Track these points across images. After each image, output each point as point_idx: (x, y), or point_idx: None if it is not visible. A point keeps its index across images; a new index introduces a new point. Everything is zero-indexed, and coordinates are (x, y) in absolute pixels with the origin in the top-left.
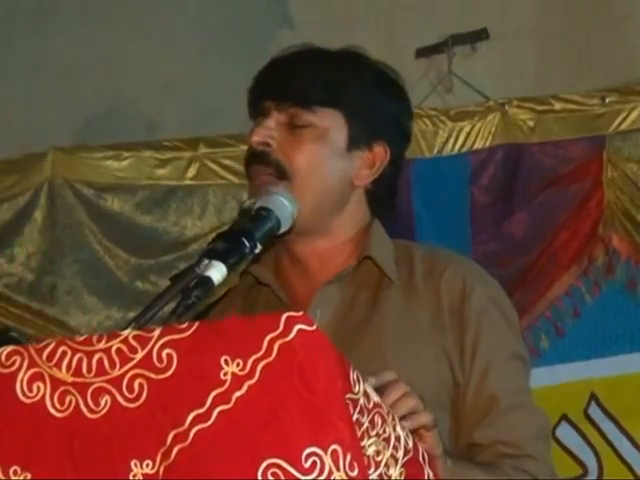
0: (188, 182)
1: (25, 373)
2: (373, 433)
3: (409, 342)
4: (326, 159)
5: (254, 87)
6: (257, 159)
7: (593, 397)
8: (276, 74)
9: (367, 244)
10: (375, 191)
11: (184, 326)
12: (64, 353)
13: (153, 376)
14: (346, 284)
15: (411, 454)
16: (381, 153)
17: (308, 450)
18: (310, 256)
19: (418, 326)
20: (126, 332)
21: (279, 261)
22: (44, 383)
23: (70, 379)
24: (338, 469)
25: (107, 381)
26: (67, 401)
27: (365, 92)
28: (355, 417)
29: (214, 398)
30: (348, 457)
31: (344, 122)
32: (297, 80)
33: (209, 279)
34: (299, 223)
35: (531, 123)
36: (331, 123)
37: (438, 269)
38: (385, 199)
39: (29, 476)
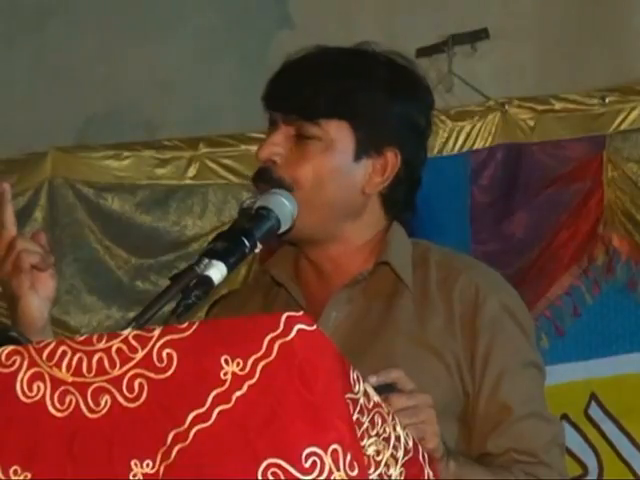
0: (188, 182)
1: (25, 373)
2: (373, 433)
3: (420, 351)
4: (332, 171)
5: (265, 96)
6: (261, 176)
7: (593, 397)
8: (282, 85)
9: (384, 249)
10: (390, 195)
11: (184, 326)
12: (64, 353)
13: (153, 376)
14: (362, 289)
15: (411, 454)
16: (392, 158)
17: (308, 450)
18: (325, 261)
19: (430, 335)
20: (126, 332)
21: (298, 262)
22: (44, 383)
23: (70, 379)
24: (338, 469)
25: (107, 381)
26: (67, 401)
27: (371, 99)
28: (355, 417)
29: (214, 398)
30: (348, 457)
31: (350, 132)
32: (301, 93)
33: (209, 278)
34: (307, 233)
35: (531, 123)
36: (337, 134)
37: (452, 276)
38: (402, 202)
39: (29, 476)
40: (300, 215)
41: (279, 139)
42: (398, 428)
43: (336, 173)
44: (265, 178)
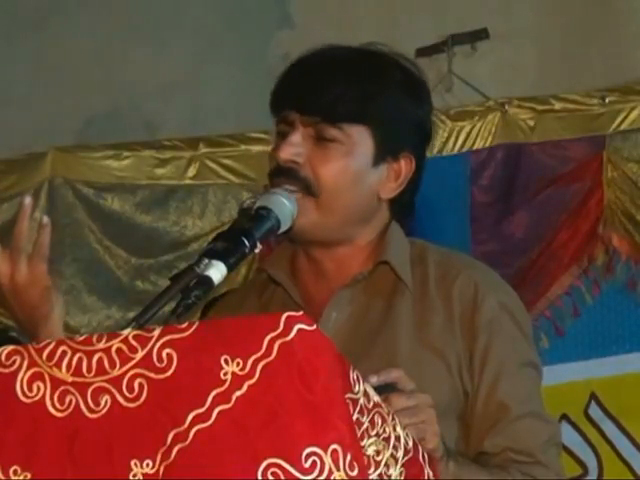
0: (188, 182)
1: (25, 373)
2: (373, 433)
3: (421, 350)
4: (353, 175)
5: (278, 92)
6: (284, 174)
7: (593, 397)
8: (301, 85)
9: (384, 248)
10: (399, 199)
11: (184, 326)
12: (64, 353)
13: (153, 376)
14: (362, 288)
15: (411, 454)
16: (407, 164)
17: (308, 450)
18: (328, 260)
19: (431, 334)
20: (126, 332)
21: (295, 261)
22: (44, 383)
23: (70, 379)
24: (338, 469)
25: (107, 381)
26: (67, 401)
27: (392, 104)
28: (355, 417)
29: (214, 398)
30: (348, 457)
31: (370, 137)
32: (323, 95)
33: (209, 278)
34: (320, 235)
35: (531, 123)
36: (358, 139)
37: (451, 275)
38: (408, 205)
39: (29, 476)
40: (316, 218)
41: (299, 139)
42: (398, 428)
43: (356, 177)
44: (290, 175)
